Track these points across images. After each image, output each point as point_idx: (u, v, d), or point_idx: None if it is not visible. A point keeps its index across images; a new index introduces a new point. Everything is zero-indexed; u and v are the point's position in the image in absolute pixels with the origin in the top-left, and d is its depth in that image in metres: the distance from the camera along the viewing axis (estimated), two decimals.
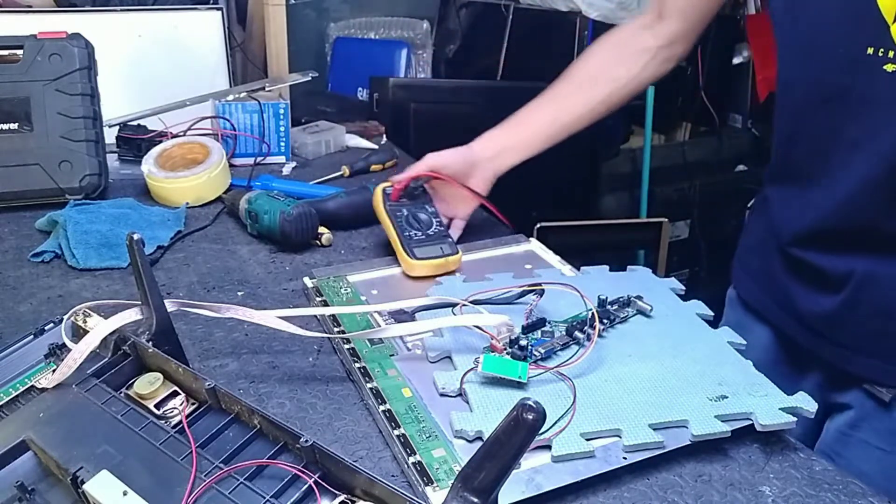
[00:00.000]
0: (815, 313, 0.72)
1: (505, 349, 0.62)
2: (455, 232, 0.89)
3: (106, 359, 0.55)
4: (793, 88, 0.71)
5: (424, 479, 0.51)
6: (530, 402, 0.37)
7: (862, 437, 0.72)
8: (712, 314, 0.71)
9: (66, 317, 0.58)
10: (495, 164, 0.86)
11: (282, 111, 1.20)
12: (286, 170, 1.19)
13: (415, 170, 0.85)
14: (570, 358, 0.62)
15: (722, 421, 0.56)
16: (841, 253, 0.68)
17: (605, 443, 0.54)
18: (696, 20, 0.82)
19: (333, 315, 0.71)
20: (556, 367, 0.60)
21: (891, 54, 0.60)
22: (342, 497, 0.44)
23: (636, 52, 0.84)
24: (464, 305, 0.68)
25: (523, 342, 0.62)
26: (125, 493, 0.43)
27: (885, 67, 0.61)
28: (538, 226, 1.79)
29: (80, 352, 0.53)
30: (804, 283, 0.72)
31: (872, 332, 0.68)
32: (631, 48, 0.84)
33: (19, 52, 0.99)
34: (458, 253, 0.82)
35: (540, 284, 0.71)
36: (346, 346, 0.66)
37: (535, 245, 0.90)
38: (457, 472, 0.41)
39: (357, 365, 0.63)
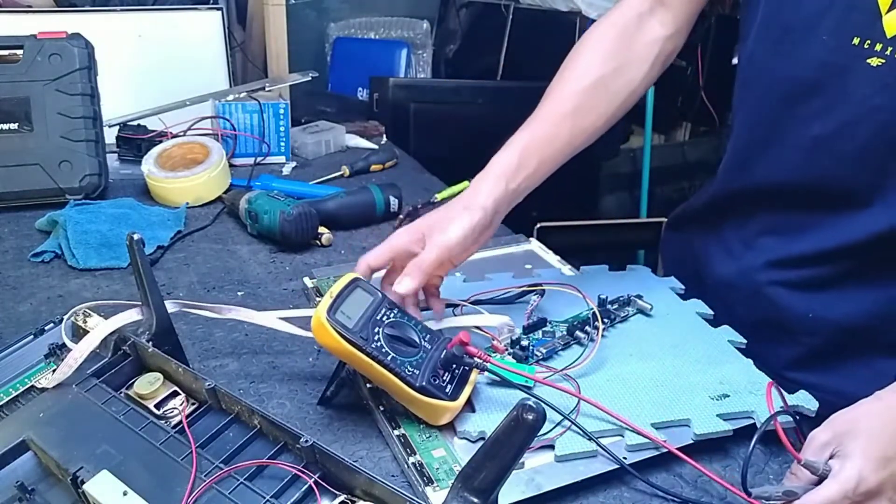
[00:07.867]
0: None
1: (506, 350, 0.62)
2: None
3: (106, 359, 0.55)
4: (756, 83, 0.68)
5: (424, 479, 0.51)
6: (530, 403, 0.37)
7: None
8: (712, 313, 0.71)
9: (66, 317, 0.58)
10: (511, 204, 0.69)
11: (282, 111, 1.20)
12: (286, 170, 1.19)
13: (425, 264, 0.61)
14: (577, 359, 0.61)
15: (724, 420, 0.56)
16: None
17: (607, 442, 0.54)
18: (694, 7, 0.74)
19: None
20: (562, 370, 0.60)
21: (878, 47, 0.57)
22: (342, 497, 0.44)
23: (645, 46, 0.72)
24: (464, 306, 0.68)
25: (524, 342, 0.62)
26: (125, 493, 0.43)
27: (868, 61, 0.58)
28: (538, 226, 1.78)
29: (80, 352, 0.53)
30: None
31: None
32: (639, 42, 0.73)
33: (19, 52, 0.99)
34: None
35: (540, 284, 0.71)
36: None
37: (535, 245, 0.90)
38: (457, 472, 0.41)
39: None
